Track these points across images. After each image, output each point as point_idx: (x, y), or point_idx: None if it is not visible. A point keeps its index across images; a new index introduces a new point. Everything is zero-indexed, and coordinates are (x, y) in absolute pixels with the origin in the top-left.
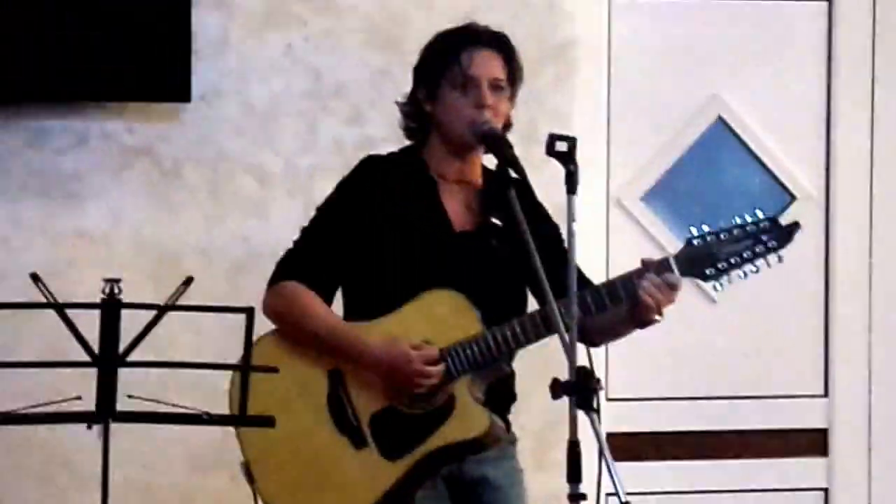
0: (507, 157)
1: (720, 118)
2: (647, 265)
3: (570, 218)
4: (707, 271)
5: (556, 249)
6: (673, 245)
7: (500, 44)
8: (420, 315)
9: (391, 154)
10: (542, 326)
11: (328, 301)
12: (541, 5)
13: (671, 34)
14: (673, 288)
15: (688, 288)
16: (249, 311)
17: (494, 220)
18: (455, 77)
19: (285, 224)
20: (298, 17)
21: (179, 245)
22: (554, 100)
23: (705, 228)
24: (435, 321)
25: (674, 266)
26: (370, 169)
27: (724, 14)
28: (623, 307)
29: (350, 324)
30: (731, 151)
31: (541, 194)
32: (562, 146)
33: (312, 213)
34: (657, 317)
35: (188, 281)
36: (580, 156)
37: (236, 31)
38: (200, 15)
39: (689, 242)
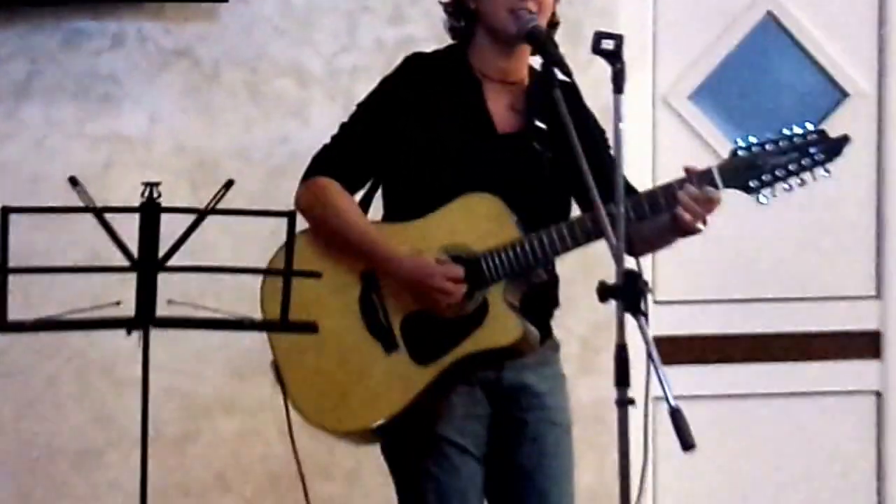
0: (553, 55)
1: (769, 13)
2: (689, 174)
3: (618, 118)
4: (751, 183)
5: (602, 154)
6: (722, 145)
7: None
8: (456, 218)
9: (435, 52)
10: (591, 230)
11: (365, 200)
12: None
13: None
14: (712, 201)
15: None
16: (291, 215)
17: (539, 123)
18: None
19: (325, 126)
20: None
21: (218, 148)
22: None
23: (751, 139)
24: (471, 225)
25: (717, 177)
26: (413, 66)
27: None
28: (664, 216)
29: (381, 225)
30: (780, 48)
31: (587, 95)
32: (608, 44)
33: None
34: (699, 226)
35: (228, 184)
36: (626, 54)
37: None
38: None
39: (734, 153)
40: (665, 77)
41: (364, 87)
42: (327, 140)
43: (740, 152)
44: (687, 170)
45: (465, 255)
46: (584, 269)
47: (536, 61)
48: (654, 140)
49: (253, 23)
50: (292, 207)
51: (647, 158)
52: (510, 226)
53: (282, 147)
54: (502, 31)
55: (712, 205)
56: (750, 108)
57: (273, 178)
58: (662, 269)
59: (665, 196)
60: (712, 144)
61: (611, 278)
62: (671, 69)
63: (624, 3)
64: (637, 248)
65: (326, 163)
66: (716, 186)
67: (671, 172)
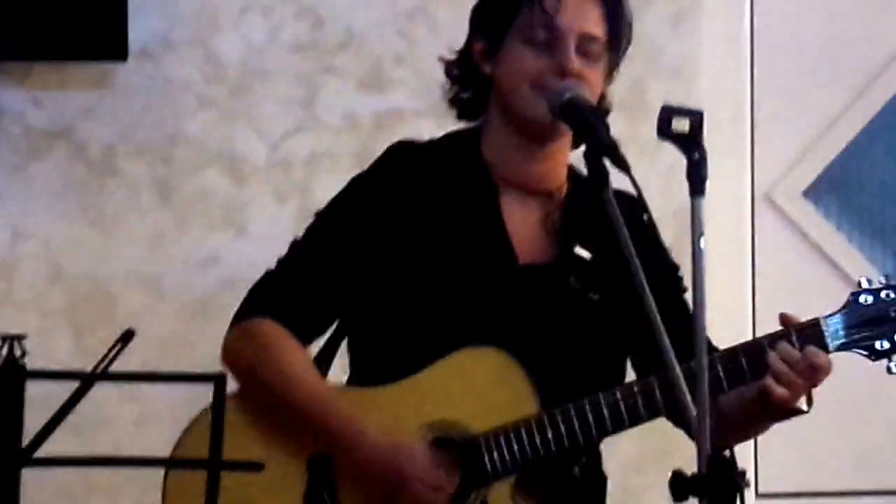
0: (602, 140)
1: None
2: (787, 326)
3: (696, 232)
4: (878, 344)
5: (673, 303)
6: (857, 265)
7: None
8: (448, 383)
9: (432, 142)
10: (654, 402)
11: (325, 354)
12: None
13: None
14: (818, 370)
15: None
16: (218, 380)
17: (580, 251)
18: (529, 25)
19: (269, 241)
20: None
21: (113, 274)
22: (671, 50)
23: (881, 279)
24: (469, 393)
25: (826, 334)
26: (399, 164)
27: None
28: (752, 388)
29: (344, 390)
30: None
31: (649, 195)
32: (682, 124)
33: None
34: (801, 405)
35: (126, 336)
36: (712, 137)
37: None
38: None
39: (854, 300)
40: (769, 167)
41: (326, 184)
42: (271, 264)
43: (864, 298)
44: (784, 320)
45: (457, 437)
46: (652, 452)
47: (578, 159)
48: (754, 256)
49: (163, 90)
50: (219, 368)
51: (745, 284)
52: (525, 396)
53: (207, 271)
54: (525, 116)
55: (817, 374)
56: (887, 208)
57: (193, 317)
58: (764, 455)
59: (750, 358)
60: (840, 263)
61: (690, 465)
62: (777, 156)
63: (708, 59)
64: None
65: (271, 299)
66: (825, 348)
67: (780, 306)
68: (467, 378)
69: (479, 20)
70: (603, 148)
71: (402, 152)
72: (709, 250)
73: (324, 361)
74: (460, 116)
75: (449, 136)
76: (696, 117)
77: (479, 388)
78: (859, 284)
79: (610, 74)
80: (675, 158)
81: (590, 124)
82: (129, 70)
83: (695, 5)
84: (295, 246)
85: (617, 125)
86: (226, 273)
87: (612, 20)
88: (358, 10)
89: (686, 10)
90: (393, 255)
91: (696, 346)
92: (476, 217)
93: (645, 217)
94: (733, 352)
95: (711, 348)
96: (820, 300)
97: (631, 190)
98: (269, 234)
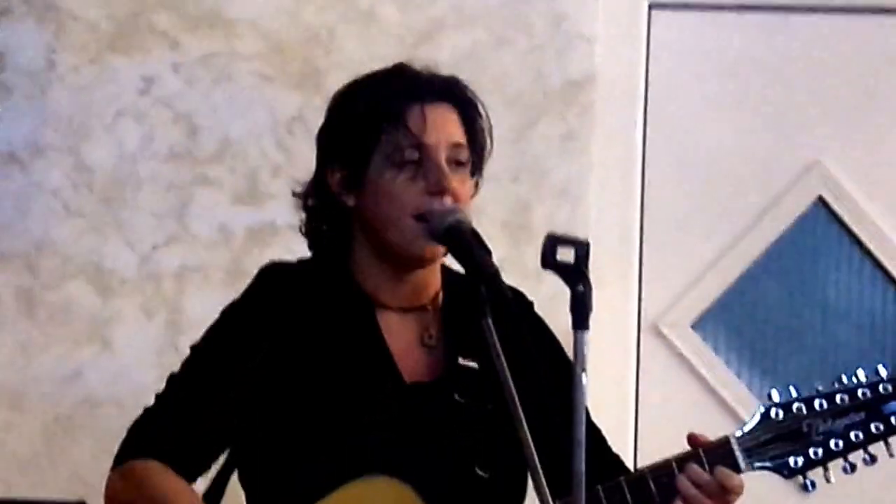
0: (485, 270)
1: (821, 198)
2: (696, 446)
3: (579, 366)
4: (791, 461)
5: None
6: (744, 400)
7: (455, 94)
8: None
9: (301, 263)
10: None
11: (214, 491)
12: (538, 27)
13: (744, 65)
14: (728, 491)
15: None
16: None
17: (465, 361)
18: (396, 148)
19: (137, 356)
20: (164, 34)
21: None
22: (558, 171)
23: (792, 392)
24: None
25: (737, 451)
26: (273, 289)
27: (817, 33)
28: None
29: None
30: (836, 245)
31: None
32: (567, 254)
33: (183, 350)
34: None
35: None
36: (598, 262)
37: (66, 56)
38: (12, 30)
39: (765, 415)
40: (657, 297)
41: (199, 300)
42: (144, 386)
43: (775, 412)
44: (692, 440)
45: None
46: None
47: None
48: (638, 387)
49: (28, 196)
50: (81, 489)
51: (627, 415)
52: None
53: (72, 389)
54: (406, 250)
55: (729, 496)
56: (788, 339)
57: (55, 435)
58: None
59: (658, 482)
60: (726, 398)
61: None
62: (666, 284)
63: (596, 181)
64: None
65: (151, 437)
66: (737, 468)
67: (663, 439)
68: None
69: (333, 149)
70: (484, 277)
71: (274, 275)
72: (592, 378)
73: (214, 496)
74: (315, 248)
75: (317, 258)
76: (582, 248)
77: None
78: (769, 397)
79: (476, 182)
80: (560, 284)
81: (471, 252)
82: None
83: (584, 125)
84: (172, 380)
85: (500, 248)
86: (90, 394)
87: (472, 127)
88: (235, 119)
89: (575, 130)
90: (275, 382)
91: (574, 482)
92: (357, 340)
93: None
94: (639, 476)
95: (619, 468)
96: (704, 433)
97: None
98: (135, 350)
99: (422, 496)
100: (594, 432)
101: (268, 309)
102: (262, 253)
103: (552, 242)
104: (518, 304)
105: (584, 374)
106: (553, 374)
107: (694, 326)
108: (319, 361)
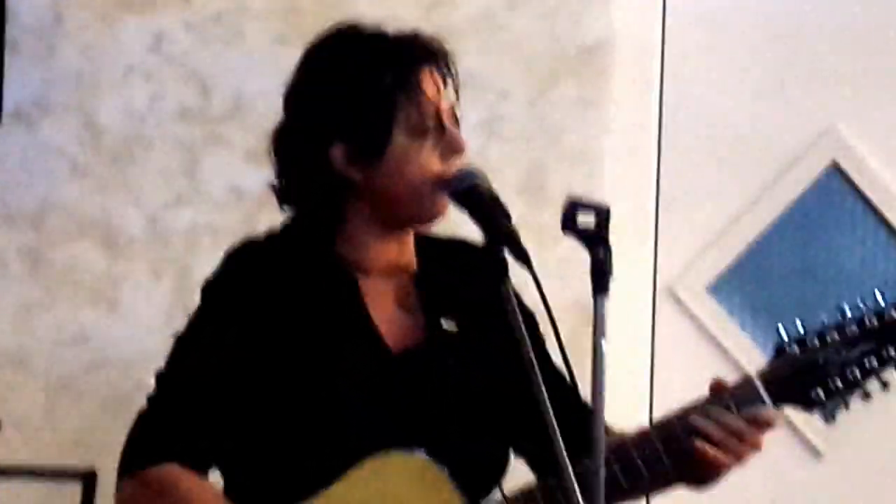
0: (503, 231)
1: (835, 163)
2: (719, 390)
3: (599, 332)
4: (813, 393)
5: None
6: (758, 363)
7: (438, 52)
8: (366, 496)
9: (273, 238)
10: None
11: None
12: None
13: (759, 30)
14: (762, 426)
15: (780, 435)
16: (88, 478)
17: (446, 324)
18: (416, 118)
19: (148, 320)
20: None
21: None
22: (574, 135)
23: (801, 328)
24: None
25: (761, 389)
26: (249, 268)
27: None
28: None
29: None
30: (850, 209)
31: (546, 285)
32: (587, 219)
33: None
34: (722, 458)
35: None
36: (613, 226)
37: (74, 13)
38: None
39: (779, 351)
40: (673, 260)
41: (206, 261)
42: (154, 347)
43: (790, 348)
44: (714, 386)
45: None
46: None
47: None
48: (653, 350)
49: (36, 154)
50: (87, 452)
51: (644, 376)
52: (451, 496)
53: (80, 350)
54: (426, 216)
55: (758, 436)
56: (801, 301)
57: (60, 400)
58: None
59: (685, 427)
60: (742, 361)
61: None
62: (682, 248)
63: (612, 145)
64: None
65: (156, 441)
66: (763, 402)
67: (679, 403)
68: (384, 488)
69: (337, 124)
70: (503, 239)
71: (247, 254)
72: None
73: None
74: (299, 220)
75: (292, 230)
76: (603, 213)
77: (400, 496)
78: (780, 335)
79: None
80: (575, 248)
81: (491, 215)
82: (2, 133)
83: (601, 89)
84: (163, 379)
85: (515, 209)
86: (96, 355)
87: (454, 79)
88: (247, 78)
89: (591, 94)
90: (263, 365)
91: (595, 450)
92: (339, 312)
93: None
94: (666, 424)
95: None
96: None
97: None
98: (143, 311)
99: (440, 465)
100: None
101: (247, 292)
102: (275, 213)
103: (572, 207)
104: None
105: (604, 340)
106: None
107: (709, 290)
108: (305, 339)
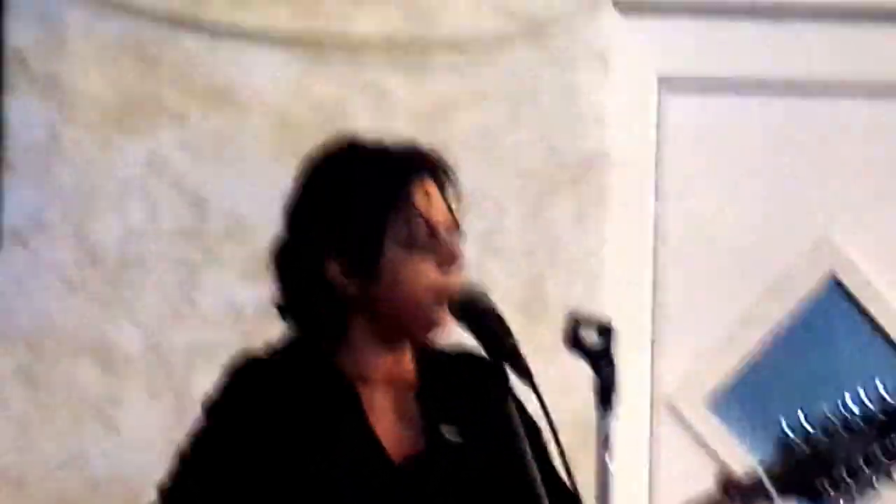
0: (506, 346)
1: (832, 274)
2: (726, 485)
3: (605, 450)
4: (819, 484)
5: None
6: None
7: (432, 161)
8: None
9: (275, 351)
10: None
11: None
12: (550, 104)
13: (753, 143)
14: None
15: None
16: None
17: (447, 433)
18: (408, 230)
19: (148, 439)
20: (172, 108)
21: None
22: (572, 246)
23: (803, 419)
24: None
25: (767, 483)
26: (250, 382)
27: (825, 111)
28: None
29: None
30: (849, 321)
31: (551, 401)
32: (590, 336)
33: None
34: None
35: None
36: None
37: (71, 131)
38: (16, 106)
39: (783, 443)
40: (671, 373)
41: (205, 380)
42: (150, 468)
43: (792, 439)
44: (722, 481)
45: None
46: None
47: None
48: (651, 465)
49: (33, 274)
50: None
51: (642, 490)
52: None
53: (76, 472)
54: (427, 328)
55: None
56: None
57: None
58: None
59: None
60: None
61: None
62: (679, 360)
63: (610, 257)
64: None
65: None
66: (770, 497)
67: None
68: None
69: (334, 239)
70: (505, 355)
71: (251, 369)
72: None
73: None
74: (302, 334)
75: (293, 344)
76: (606, 330)
77: None
78: (783, 428)
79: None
80: (575, 362)
81: (492, 331)
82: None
83: (598, 200)
84: (165, 494)
85: (513, 323)
86: (94, 477)
87: (451, 188)
88: (243, 196)
89: (588, 206)
90: (266, 481)
91: None
92: (341, 425)
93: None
94: None
95: None
96: None
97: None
98: (141, 431)
99: None
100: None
101: (248, 406)
102: (272, 330)
103: (575, 324)
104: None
105: (610, 460)
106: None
107: (708, 402)
108: (307, 451)
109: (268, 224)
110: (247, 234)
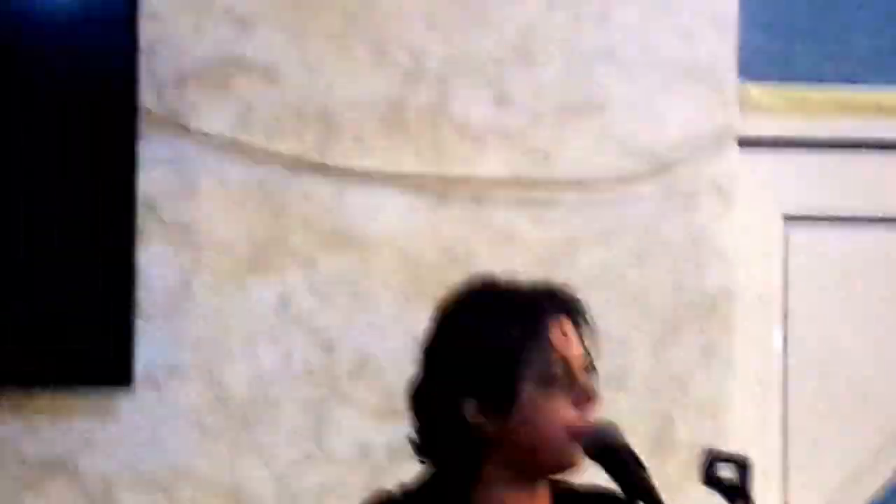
0: (642, 485)
1: None
2: None
3: None
4: None
5: None
6: None
7: (566, 300)
8: None
9: (410, 492)
10: None
11: None
12: (675, 242)
13: (880, 277)
14: None
15: None
16: None
17: None
18: (545, 369)
19: None
20: (299, 252)
21: None
22: (699, 385)
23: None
24: None
25: None
26: None
27: None
28: None
29: None
30: None
31: None
32: (727, 472)
33: None
34: None
35: None
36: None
37: (203, 278)
38: (148, 253)
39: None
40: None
41: None
42: None
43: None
44: None
45: None
46: None
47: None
48: None
49: (166, 418)
50: None
51: None
52: None
53: None
54: (561, 466)
55: None
56: None
57: None
58: None
59: None
60: None
61: None
62: (810, 496)
63: (737, 396)
64: None
65: None
66: None
67: None
68: None
69: (470, 380)
70: (641, 494)
71: None
72: None
73: None
74: (439, 474)
75: (428, 484)
76: (744, 465)
77: None
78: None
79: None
80: (704, 497)
81: (627, 470)
82: (133, 398)
83: (724, 339)
84: None
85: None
86: None
87: (585, 328)
88: (372, 337)
89: (715, 344)
90: None
91: None
92: None
93: None
94: None
95: None
96: None
97: None
98: None
99: None
100: None
101: None
102: (402, 471)
103: (712, 459)
104: None
105: None
106: None
107: None
108: None
109: (396, 364)
110: (375, 375)
